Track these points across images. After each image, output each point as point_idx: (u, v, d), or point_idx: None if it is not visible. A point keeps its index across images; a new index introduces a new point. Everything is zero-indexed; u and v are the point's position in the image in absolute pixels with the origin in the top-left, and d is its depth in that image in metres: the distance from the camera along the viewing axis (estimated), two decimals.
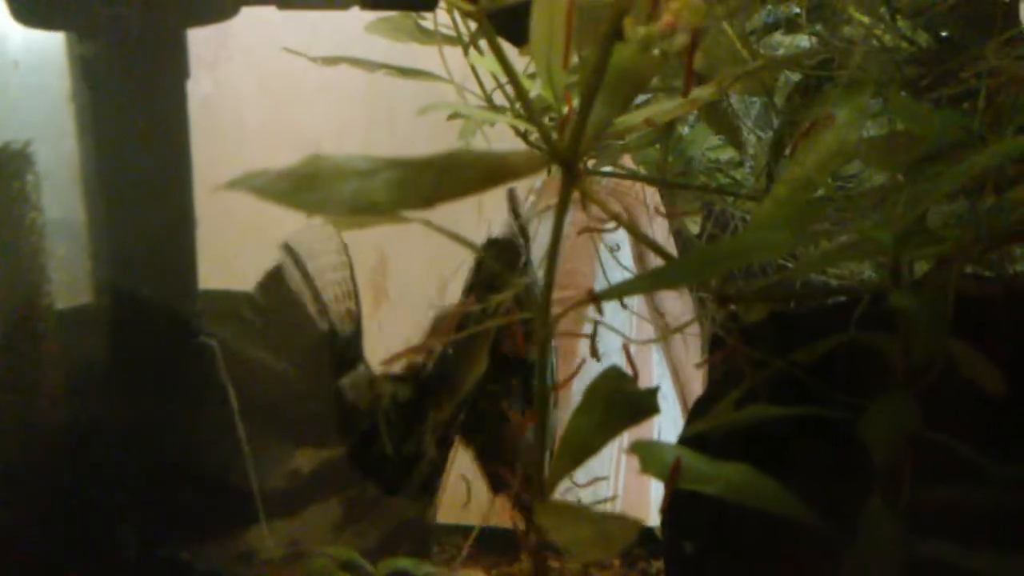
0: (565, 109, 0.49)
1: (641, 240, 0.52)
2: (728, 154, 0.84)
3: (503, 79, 0.85)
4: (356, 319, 0.72)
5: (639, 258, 1.86)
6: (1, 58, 0.81)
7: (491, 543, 1.01)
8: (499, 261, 0.73)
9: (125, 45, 0.60)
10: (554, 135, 0.43)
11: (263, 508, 0.62)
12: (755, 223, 0.51)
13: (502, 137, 0.90)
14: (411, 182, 0.36)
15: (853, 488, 0.52)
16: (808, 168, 0.53)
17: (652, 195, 1.26)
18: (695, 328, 1.48)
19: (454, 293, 0.82)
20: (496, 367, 0.69)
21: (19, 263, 0.57)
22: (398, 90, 0.88)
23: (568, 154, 0.41)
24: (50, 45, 0.88)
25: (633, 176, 0.78)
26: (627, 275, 1.05)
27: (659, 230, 1.31)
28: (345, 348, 0.68)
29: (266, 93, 1.20)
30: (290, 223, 1.19)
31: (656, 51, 0.46)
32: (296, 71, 1.19)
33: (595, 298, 0.45)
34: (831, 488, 0.50)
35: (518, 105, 0.90)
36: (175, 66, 0.64)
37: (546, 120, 0.48)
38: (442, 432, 0.75)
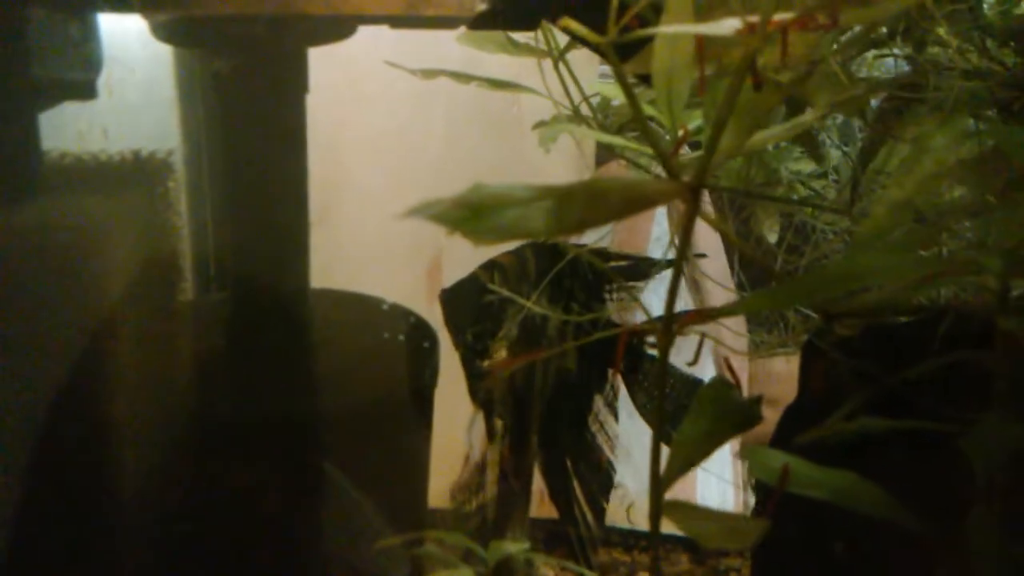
0: (680, 132, 0.52)
1: (742, 250, 0.55)
2: (810, 167, 0.86)
3: (588, 91, 0.89)
4: None
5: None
6: (121, 65, 0.86)
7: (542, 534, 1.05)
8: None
9: (255, 62, 0.64)
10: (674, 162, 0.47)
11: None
12: (858, 244, 0.54)
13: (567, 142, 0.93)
14: (563, 210, 0.40)
15: (939, 495, 0.55)
16: (908, 191, 0.56)
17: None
18: (741, 329, 1.50)
19: None
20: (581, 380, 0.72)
21: (161, 263, 0.61)
22: (457, 92, 0.92)
23: (694, 183, 0.45)
24: (158, 52, 0.93)
25: (721, 187, 0.81)
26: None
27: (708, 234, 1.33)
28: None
29: (333, 94, 1.25)
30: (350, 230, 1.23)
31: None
32: (361, 73, 1.23)
33: (711, 314, 0.48)
34: (915, 493, 0.53)
35: (601, 116, 0.93)
36: (297, 81, 0.68)
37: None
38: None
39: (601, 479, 0.70)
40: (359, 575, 0.63)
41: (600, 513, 0.71)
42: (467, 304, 0.70)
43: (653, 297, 1.09)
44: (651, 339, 0.70)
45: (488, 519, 0.65)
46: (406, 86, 1.19)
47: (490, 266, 0.79)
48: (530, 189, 0.40)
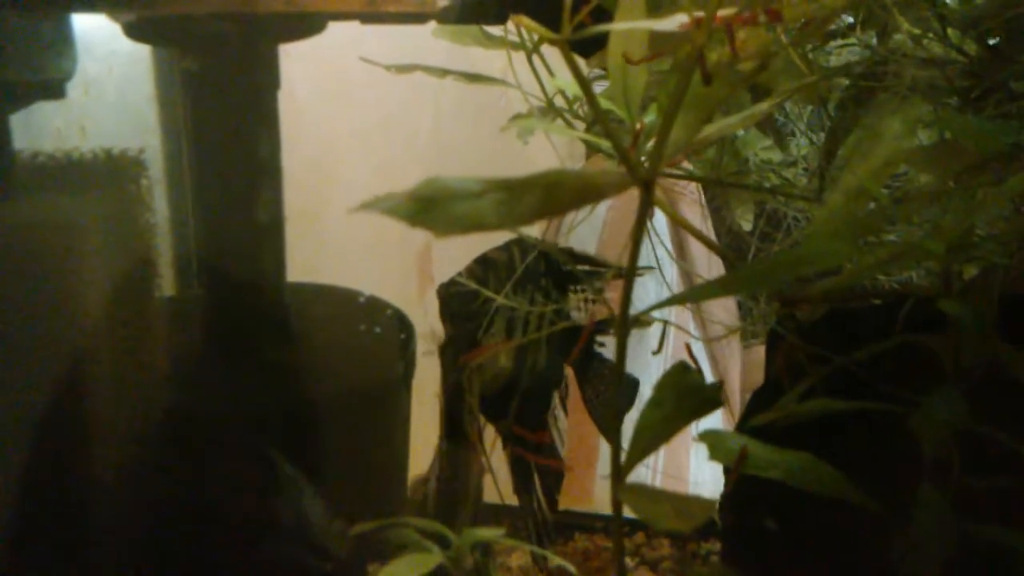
0: (638, 125, 0.53)
1: (707, 245, 0.57)
2: (780, 155, 0.87)
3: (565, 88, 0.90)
4: None
5: (679, 246, 1.90)
6: (98, 63, 0.87)
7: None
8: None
9: (226, 60, 0.65)
10: (631, 154, 0.48)
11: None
12: (813, 231, 0.55)
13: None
14: (515, 202, 0.41)
15: (897, 473, 0.56)
16: (862, 177, 0.57)
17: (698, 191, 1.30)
18: (733, 318, 1.51)
19: None
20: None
21: (135, 260, 0.63)
22: (444, 83, 0.93)
23: (648, 175, 0.46)
24: (134, 50, 0.94)
25: (692, 177, 0.82)
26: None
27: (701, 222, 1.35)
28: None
29: (319, 85, 1.25)
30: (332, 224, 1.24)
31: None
32: (345, 65, 1.24)
33: (655, 307, 0.50)
34: (876, 473, 0.55)
35: (575, 107, 0.94)
36: (268, 78, 0.70)
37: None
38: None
39: (554, 473, 0.73)
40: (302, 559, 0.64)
41: (553, 504, 0.75)
42: (462, 299, 0.72)
43: (640, 290, 1.10)
44: (599, 338, 0.72)
45: (430, 506, 0.68)
46: (394, 77, 1.20)
47: (482, 261, 0.80)
48: (482, 181, 0.41)
